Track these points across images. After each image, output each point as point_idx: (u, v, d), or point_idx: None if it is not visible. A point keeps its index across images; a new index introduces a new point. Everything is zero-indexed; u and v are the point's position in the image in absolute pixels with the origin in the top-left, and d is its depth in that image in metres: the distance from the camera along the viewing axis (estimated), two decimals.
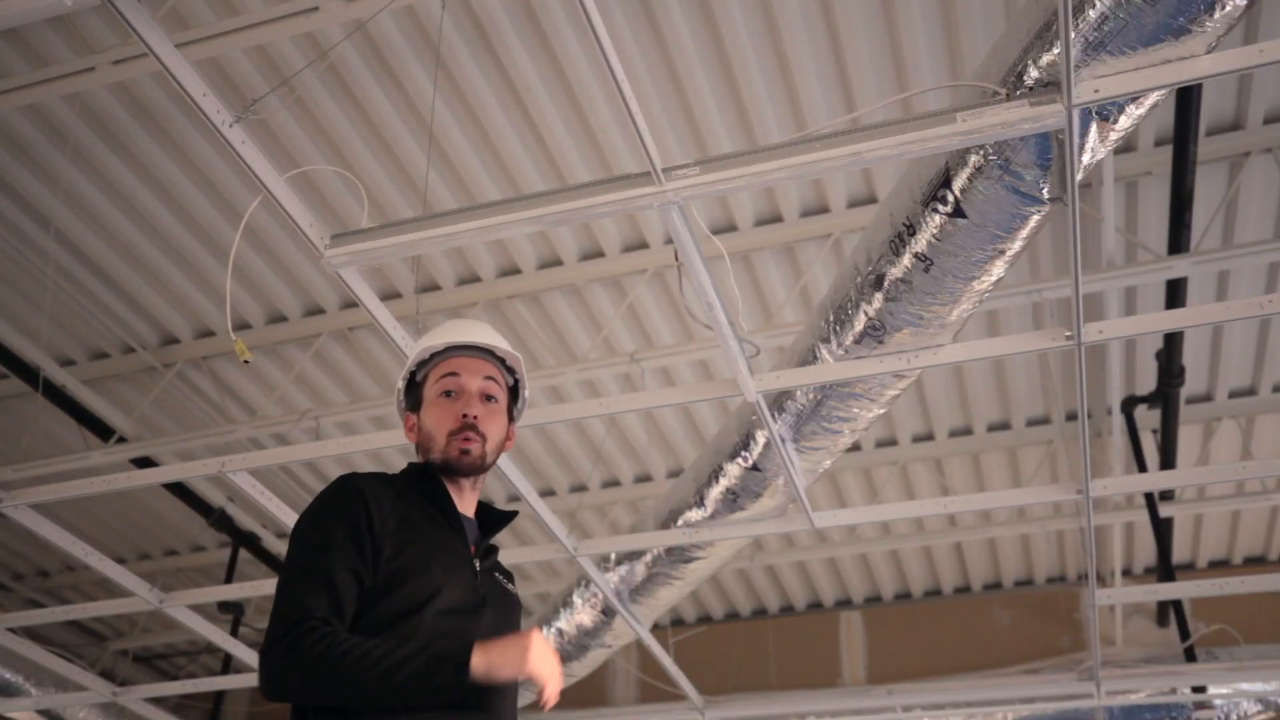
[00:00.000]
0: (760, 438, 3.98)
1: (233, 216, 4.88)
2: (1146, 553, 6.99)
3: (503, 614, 2.07)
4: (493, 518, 2.20)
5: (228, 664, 6.61)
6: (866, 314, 3.26)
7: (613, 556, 4.97)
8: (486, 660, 1.81)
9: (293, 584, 1.91)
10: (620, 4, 4.04)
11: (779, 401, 3.73)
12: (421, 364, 2.23)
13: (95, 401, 5.68)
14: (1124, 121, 2.69)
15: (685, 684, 5.72)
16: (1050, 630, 7.13)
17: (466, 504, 2.15)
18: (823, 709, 6.38)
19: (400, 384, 2.26)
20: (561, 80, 4.30)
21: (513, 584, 2.20)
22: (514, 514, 2.24)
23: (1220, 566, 7.12)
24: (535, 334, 5.33)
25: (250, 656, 5.44)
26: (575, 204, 2.63)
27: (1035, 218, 2.88)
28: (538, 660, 1.84)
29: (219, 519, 6.39)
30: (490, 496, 6.62)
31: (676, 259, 2.71)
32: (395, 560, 1.94)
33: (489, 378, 2.19)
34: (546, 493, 6.46)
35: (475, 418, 2.12)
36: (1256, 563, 7.05)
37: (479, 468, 2.13)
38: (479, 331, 2.25)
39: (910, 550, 7.07)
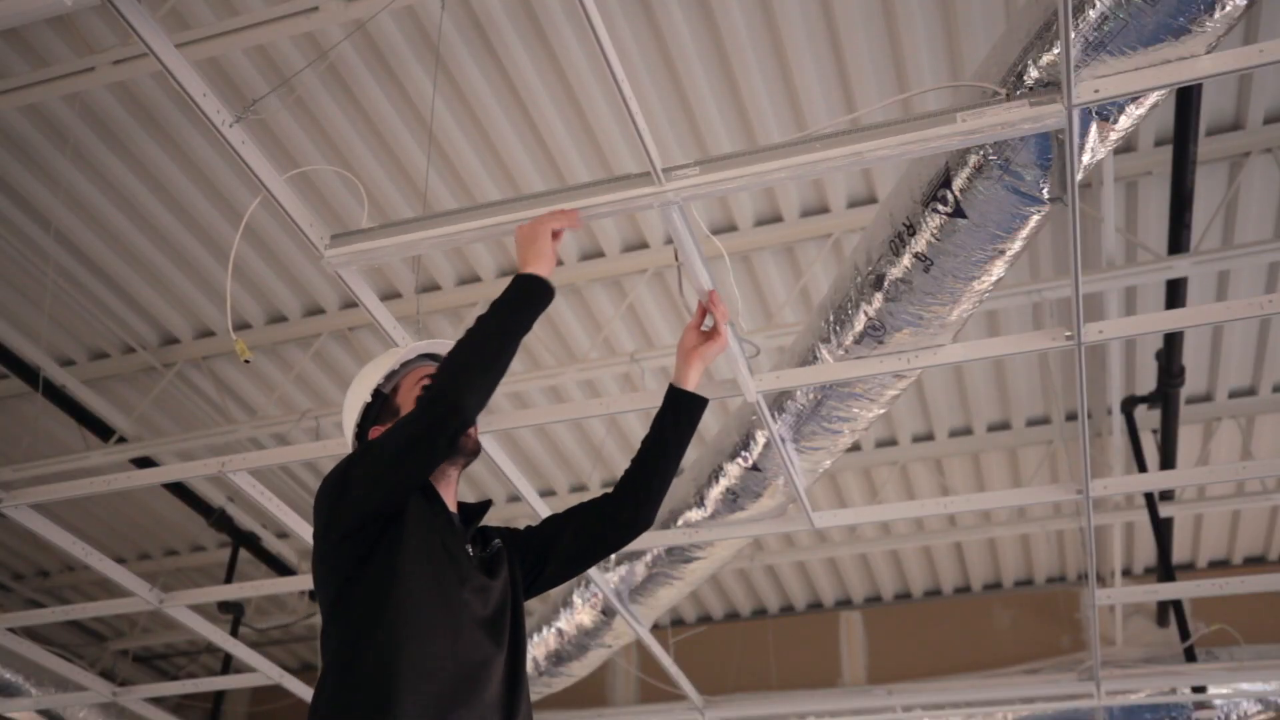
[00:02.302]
0: (760, 438, 3.98)
1: (233, 216, 4.88)
2: (1146, 553, 6.99)
3: (497, 594, 2.13)
4: (473, 510, 2.28)
5: (228, 664, 6.61)
6: (866, 314, 3.26)
7: (612, 557, 4.96)
8: (534, 265, 2.20)
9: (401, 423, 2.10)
10: (620, 4, 4.04)
11: (779, 401, 3.73)
12: (388, 378, 2.32)
13: (95, 401, 5.68)
14: (1124, 121, 2.69)
15: (685, 684, 5.72)
16: (1050, 630, 7.13)
17: (450, 500, 2.22)
18: (823, 709, 6.37)
19: (367, 397, 2.29)
20: (561, 80, 4.30)
21: (499, 540, 2.27)
22: (489, 502, 2.34)
23: (1220, 566, 7.12)
24: (535, 334, 5.33)
25: (250, 656, 5.43)
26: (575, 204, 2.62)
27: (1035, 218, 2.88)
28: (533, 243, 2.25)
29: (219, 519, 6.39)
30: (490, 496, 6.62)
31: (676, 259, 2.71)
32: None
33: None
34: (546, 493, 6.46)
35: None
36: (1256, 563, 7.04)
37: (475, 449, 2.23)
38: (442, 342, 2.40)
39: (910, 550, 7.07)
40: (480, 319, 2.12)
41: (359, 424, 2.29)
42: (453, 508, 2.22)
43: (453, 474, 2.22)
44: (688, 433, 2.41)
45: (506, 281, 5.57)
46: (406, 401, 2.24)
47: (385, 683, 1.86)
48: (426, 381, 2.24)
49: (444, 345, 2.36)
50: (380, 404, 2.28)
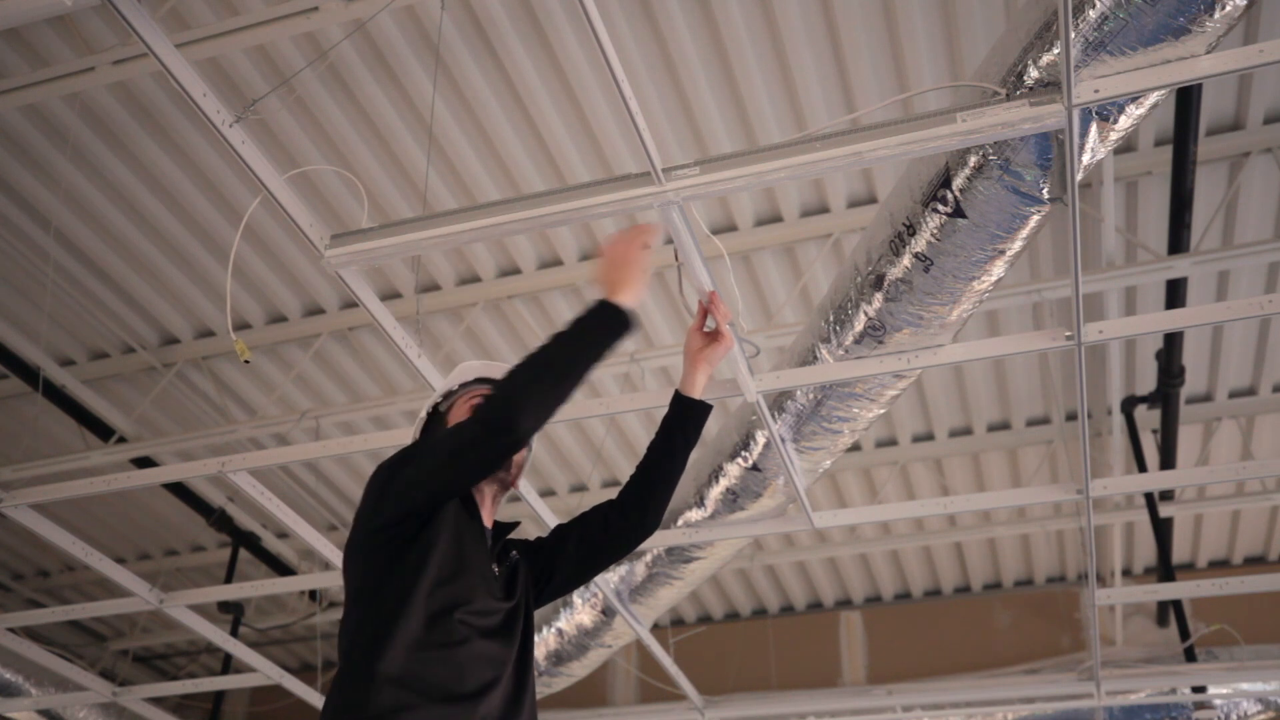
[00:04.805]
0: (760, 438, 3.98)
1: (233, 216, 4.88)
2: (1146, 553, 6.99)
3: (510, 607, 2.14)
4: (503, 530, 2.30)
5: (228, 664, 6.61)
6: (866, 314, 3.26)
7: None
8: (623, 292, 2.13)
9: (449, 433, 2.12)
10: (620, 4, 4.04)
11: (779, 401, 3.73)
12: (446, 396, 2.37)
13: (95, 401, 5.68)
14: (1124, 121, 2.69)
15: (685, 684, 5.72)
16: (1050, 630, 7.13)
17: (486, 517, 2.25)
18: (823, 709, 6.37)
19: (423, 415, 2.37)
20: (561, 80, 4.30)
21: (515, 552, 2.29)
22: (518, 524, 2.36)
23: (1220, 566, 7.12)
24: (535, 334, 5.33)
25: (250, 656, 5.43)
26: (575, 204, 2.62)
27: (1035, 218, 2.88)
28: (627, 265, 2.17)
29: (219, 519, 6.39)
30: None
31: (676, 259, 2.71)
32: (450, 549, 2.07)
33: None
34: (546, 493, 6.47)
35: None
36: (1256, 563, 7.04)
37: (515, 480, 2.27)
38: (500, 369, 2.40)
39: (910, 550, 7.07)
40: (553, 341, 2.07)
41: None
42: (488, 524, 2.25)
43: (488, 492, 2.24)
44: (693, 439, 2.41)
45: (507, 281, 5.59)
46: (458, 415, 2.28)
47: (395, 691, 1.87)
48: (478, 403, 2.26)
49: (503, 369, 2.37)
50: (436, 422, 2.34)
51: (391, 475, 2.06)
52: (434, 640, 1.94)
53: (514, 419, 1.97)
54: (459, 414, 2.28)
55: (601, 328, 2.10)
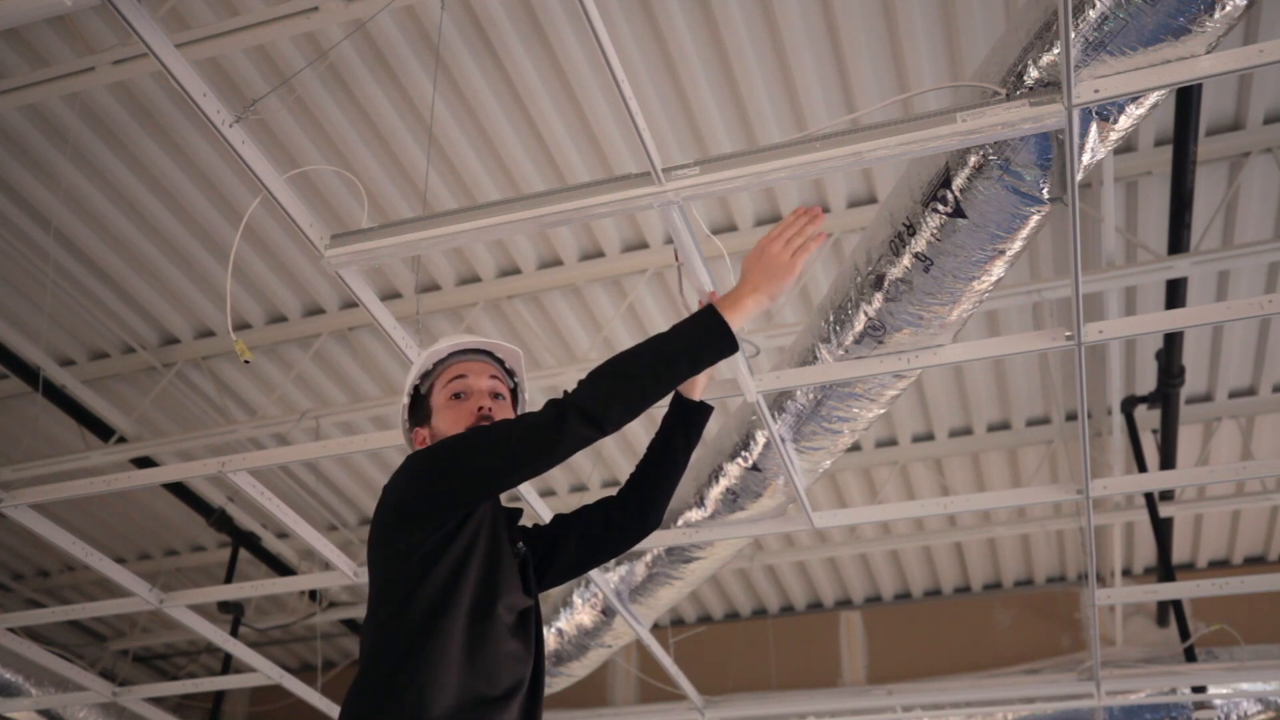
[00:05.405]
0: (760, 438, 3.98)
1: (233, 216, 4.88)
2: (1146, 553, 6.99)
3: (526, 602, 2.13)
4: (511, 515, 2.26)
5: (228, 664, 6.61)
6: (866, 314, 3.26)
7: None
8: (736, 313, 2.08)
9: (502, 424, 2.05)
10: (620, 4, 4.04)
11: (779, 401, 3.73)
12: (424, 377, 2.29)
13: (95, 401, 5.68)
14: (1124, 121, 2.69)
15: (685, 684, 5.72)
16: (1050, 630, 7.13)
17: None
18: (823, 709, 6.37)
19: (405, 399, 2.31)
20: (561, 80, 4.30)
21: (522, 545, 2.25)
22: (520, 511, 2.31)
23: (1220, 566, 7.12)
24: (535, 334, 5.33)
25: (250, 656, 5.43)
26: (575, 204, 2.62)
27: (1035, 218, 2.88)
28: (784, 275, 2.16)
29: (219, 519, 6.39)
30: None
31: (676, 259, 2.70)
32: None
33: (493, 377, 2.27)
34: (546, 493, 6.47)
35: (490, 410, 2.18)
36: (1256, 563, 7.05)
37: None
38: (476, 339, 2.35)
39: (910, 550, 7.07)
40: (650, 344, 2.04)
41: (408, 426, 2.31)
42: None
43: None
44: (694, 440, 2.38)
45: (507, 281, 5.58)
46: (439, 402, 2.23)
47: (425, 699, 1.84)
48: (457, 385, 2.22)
49: (471, 340, 2.34)
50: (418, 405, 2.29)
51: (448, 456, 2.00)
52: (473, 640, 1.90)
53: (603, 414, 1.95)
54: (440, 395, 2.23)
55: (703, 345, 2.06)
